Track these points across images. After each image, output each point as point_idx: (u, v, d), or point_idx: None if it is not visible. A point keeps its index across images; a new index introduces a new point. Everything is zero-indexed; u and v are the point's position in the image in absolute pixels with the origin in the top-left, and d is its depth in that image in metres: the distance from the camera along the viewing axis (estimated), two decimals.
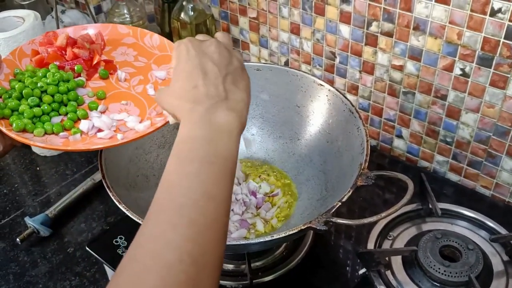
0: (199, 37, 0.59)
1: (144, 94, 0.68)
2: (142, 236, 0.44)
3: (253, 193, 0.81)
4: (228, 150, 0.49)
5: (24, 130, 0.61)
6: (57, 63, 0.70)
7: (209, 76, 0.53)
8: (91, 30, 0.75)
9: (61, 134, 0.62)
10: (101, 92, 0.67)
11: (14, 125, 0.60)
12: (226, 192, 0.47)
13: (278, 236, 0.60)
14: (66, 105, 0.65)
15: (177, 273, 0.40)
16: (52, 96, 0.65)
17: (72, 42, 0.71)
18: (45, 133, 0.61)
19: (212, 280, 0.43)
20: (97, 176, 0.97)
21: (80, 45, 0.71)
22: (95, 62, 0.71)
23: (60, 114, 0.64)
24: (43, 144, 0.60)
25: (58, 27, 1.12)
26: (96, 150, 0.62)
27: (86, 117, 0.64)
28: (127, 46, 0.75)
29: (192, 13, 1.03)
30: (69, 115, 0.64)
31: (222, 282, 0.74)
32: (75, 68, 0.69)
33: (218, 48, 0.56)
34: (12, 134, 0.60)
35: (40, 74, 0.67)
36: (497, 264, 0.75)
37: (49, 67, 0.69)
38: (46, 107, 0.63)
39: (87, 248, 0.81)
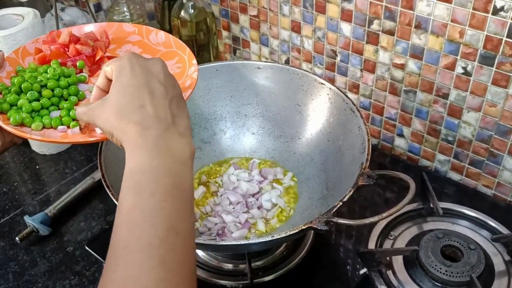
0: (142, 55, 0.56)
1: None
2: (111, 283, 0.41)
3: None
4: (187, 181, 0.47)
5: (22, 124, 0.60)
6: (60, 60, 0.69)
7: (156, 97, 0.49)
8: (96, 28, 0.75)
9: (59, 128, 0.61)
10: None
11: (11, 119, 0.60)
12: (190, 224, 0.46)
13: (279, 236, 0.60)
14: (66, 100, 0.64)
15: None
16: (52, 90, 0.64)
17: (75, 40, 0.71)
18: (43, 127, 0.61)
19: None
20: (97, 175, 0.96)
21: (83, 42, 0.71)
22: (97, 58, 0.70)
23: (60, 109, 0.63)
24: (41, 137, 0.59)
25: (57, 25, 1.12)
26: (94, 142, 0.60)
27: None
28: (132, 43, 0.75)
29: (192, 11, 1.03)
30: (68, 109, 0.62)
31: (222, 281, 0.73)
32: (77, 64, 0.69)
33: (163, 68, 0.52)
34: (10, 128, 0.59)
35: (42, 70, 0.67)
36: (498, 264, 0.74)
37: (51, 63, 0.68)
38: (45, 102, 0.63)
39: (86, 248, 0.80)
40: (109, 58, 0.71)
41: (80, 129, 0.61)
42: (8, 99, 0.63)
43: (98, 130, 0.60)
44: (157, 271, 0.41)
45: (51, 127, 0.61)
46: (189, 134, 0.50)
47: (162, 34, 0.74)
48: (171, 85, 0.52)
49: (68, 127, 0.61)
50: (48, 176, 1.01)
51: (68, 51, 0.70)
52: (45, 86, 0.64)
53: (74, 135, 0.60)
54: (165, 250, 0.42)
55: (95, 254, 0.79)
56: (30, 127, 0.60)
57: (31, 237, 0.87)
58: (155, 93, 0.50)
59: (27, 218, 0.87)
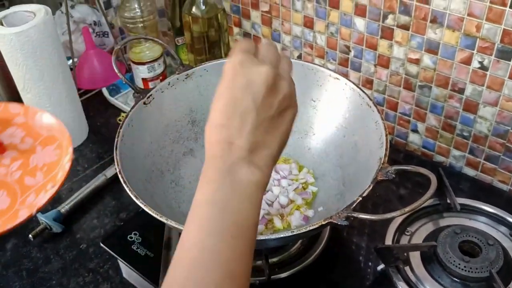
0: (264, 48, 0.50)
1: (21, 182, 0.65)
2: None
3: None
4: (251, 218, 0.45)
5: None
6: None
7: (242, 119, 0.46)
8: None
9: None
10: None
11: None
12: (248, 267, 0.44)
13: (299, 231, 0.60)
14: None
15: None
16: None
17: None
18: None
19: None
20: (109, 172, 0.96)
21: None
22: None
23: None
24: None
25: (68, 22, 1.11)
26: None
27: None
28: (17, 126, 0.72)
29: (204, 7, 1.02)
30: None
31: None
32: None
33: (266, 82, 0.46)
34: None
35: None
36: None
37: None
38: None
39: (101, 244, 0.80)
40: None
41: None
42: None
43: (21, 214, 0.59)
44: None
45: None
46: (268, 164, 0.47)
47: (48, 116, 0.72)
48: (269, 104, 0.47)
49: None
50: None
51: None
52: None
53: None
54: None
55: (110, 251, 0.79)
56: None
57: (44, 234, 0.86)
58: (242, 115, 0.46)
59: (40, 215, 0.87)
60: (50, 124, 0.72)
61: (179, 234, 0.78)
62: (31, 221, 0.90)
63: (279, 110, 0.48)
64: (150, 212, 0.62)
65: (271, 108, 0.47)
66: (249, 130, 0.46)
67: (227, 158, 0.45)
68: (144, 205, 0.62)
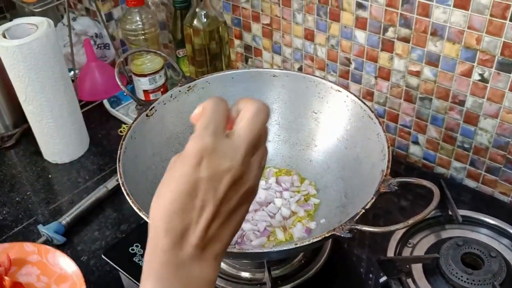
0: (246, 120, 0.44)
1: None
2: None
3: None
4: None
5: None
6: None
7: (198, 212, 0.42)
8: None
9: None
10: None
11: None
12: None
13: (302, 244, 0.59)
14: None
15: None
16: None
17: None
18: None
19: None
20: (110, 184, 0.96)
21: None
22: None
23: None
24: None
25: (70, 34, 1.12)
26: None
27: None
28: (31, 264, 0.78)
29: (205, 19, 1.03)
30: None
31: None
32: None
33: (232, 179, 0.42)
34: None
35: None
36: None
37: None
38: None
39: (103, 257, 0.80)
40: (18, 285, 0.75)
41: None
42: None
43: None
44: None
45: None
46: (218, 257, 0.44)
47: (59, 255, 0.77)
48: (229, 198, 0.43)
49: None
50: (61, 185, 1.01)
51: None
52: None
53: None
54: None
55: (111, 263, 0.78)
56: None
57: None
58: (200, 208, 0.42)
59: (41, 227, 0.87)
60: (62, 262, 0.77)
61: None
62: (33, 233, 0.89)
63: (239, 203, 0.44)
64: None
65: (231, 201, 0.43)
66: (204, 225, 0.42)
67: (176, 253, 0.42)
68: (147, 218, 0.62)
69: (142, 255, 0.78)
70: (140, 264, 0.77)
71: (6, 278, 0.75)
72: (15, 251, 0.79)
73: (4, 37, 0.91)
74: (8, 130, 1.12)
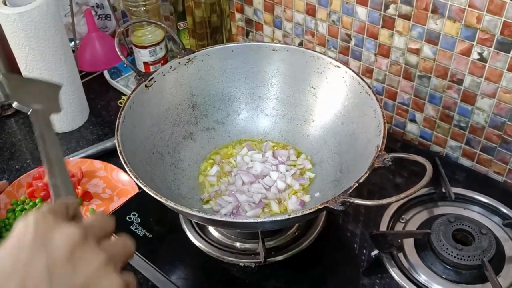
0: (93, 217, 0.40)
1: None
2: None
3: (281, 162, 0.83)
4: None
5: None
6: (43, 193, 0.87)
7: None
8: (72, 164, 0.93)
9: None
10: None
11: None
12: None
13: (295, 215, 0.61)
14: None
15: None
16: None
17: None
18: None
19: None
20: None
21: None
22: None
23: None
24: None
25: (71, 4, 1.11)
26: None
27: None
28: (99, 178, 0.92)
29: None
30: None
31: (236, 260, 0.74)
32: None
33: (68, 248, 0.35)
34: None
35: (31, 204, 0.86)
36: (509, 249, 0.75)
37: (36, 201, 0.87)
38: None
39: None
40: (87, 193, 0.89)
41: None
42: (4, 234, 0.80)
43: None
44: None
45: None
46: None
47: (121, 173, 0.91)
48: (71, 271, 0.35)
49: None
50: None
51: None
52: None
53: None
54: None
55: None
56: None
57: None
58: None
59: None
60: (125, 179, 0.90)
61: (178, 215, 0.79)
62: None
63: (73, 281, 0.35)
64: (150, 193, 0.63)
65: (74, 277, 0.35)
66: None
67: None
68: (144, 186, 0.63)
69: (139, 224, 0.80)
70: (138, 232, 0.78)
71: (78, 187, 0.89)
72: (86, 166, 0.93)
73: (5, 4, 0.91)
74: (8, 98, 1.13)
